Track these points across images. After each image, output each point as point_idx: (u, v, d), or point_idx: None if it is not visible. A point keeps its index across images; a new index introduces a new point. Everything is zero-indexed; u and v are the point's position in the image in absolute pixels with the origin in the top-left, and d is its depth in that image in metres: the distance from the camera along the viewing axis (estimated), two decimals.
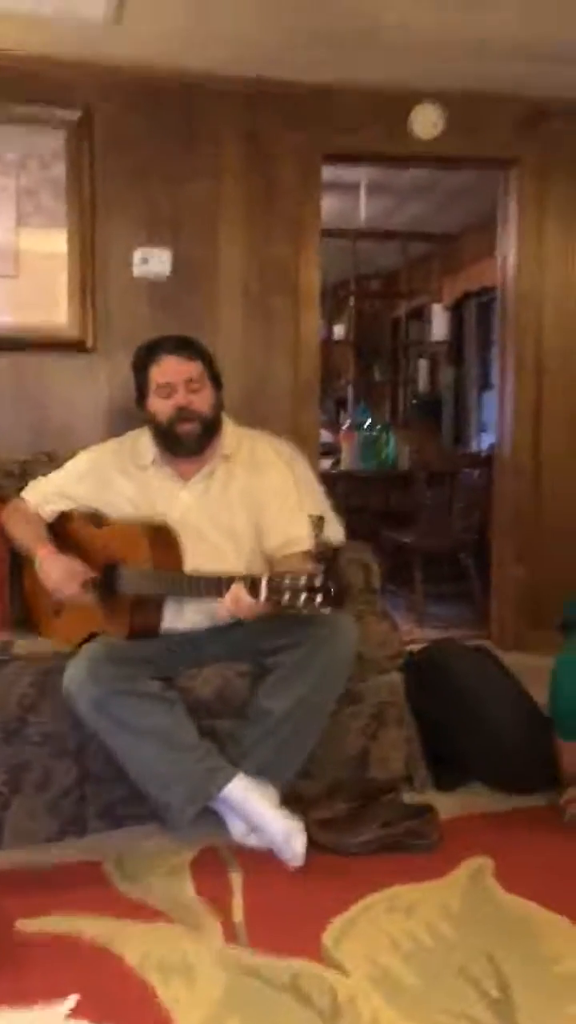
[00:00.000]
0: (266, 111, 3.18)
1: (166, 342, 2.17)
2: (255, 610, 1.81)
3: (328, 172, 3.41)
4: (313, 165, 3.26)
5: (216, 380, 2.18)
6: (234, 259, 3.19)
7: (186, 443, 2.13)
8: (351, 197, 4.86)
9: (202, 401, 2.12)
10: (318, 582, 1.69)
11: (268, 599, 1.75)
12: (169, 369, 2.12)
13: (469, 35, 2.81)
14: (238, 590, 1.81)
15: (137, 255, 3.08)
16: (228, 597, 1.83)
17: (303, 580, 1.70)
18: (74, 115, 2.98)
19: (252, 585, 1.78)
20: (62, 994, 1.50)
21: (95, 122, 3.02)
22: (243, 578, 1.83)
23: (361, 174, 4.51)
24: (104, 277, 3.07)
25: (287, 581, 1.72)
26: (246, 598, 1.79)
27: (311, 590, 1.69)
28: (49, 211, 2.99)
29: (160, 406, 2.13)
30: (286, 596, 1.71)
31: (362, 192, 4.77)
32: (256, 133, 3.18)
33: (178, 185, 3.12)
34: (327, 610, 1.71)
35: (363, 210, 4.94)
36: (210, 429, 2.15)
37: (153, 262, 3.09)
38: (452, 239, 5.84)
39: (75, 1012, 1.46)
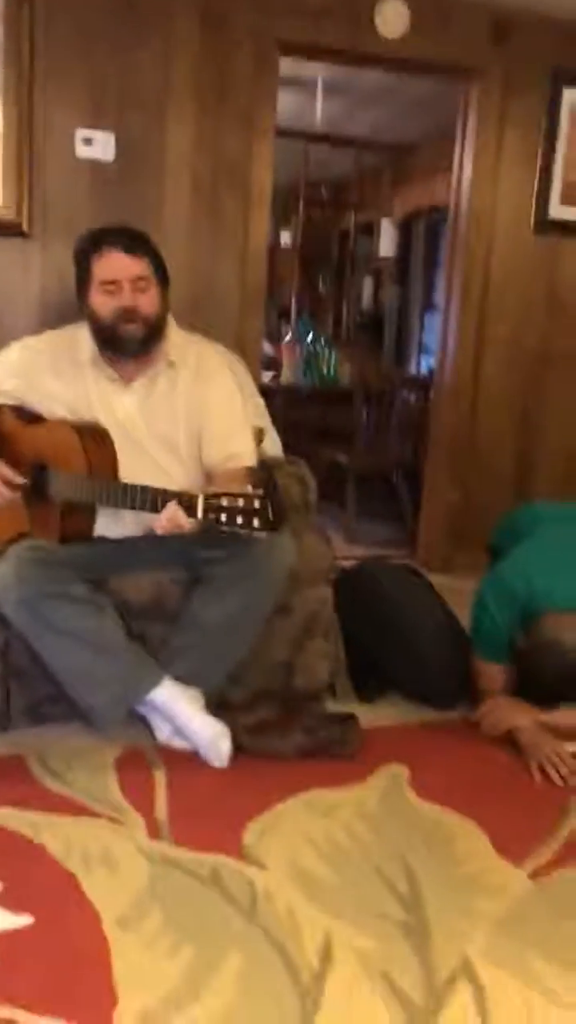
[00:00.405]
0: None
1: (112, 233, 2.02)
2: (190, 528, 1.78)
3: (285, 67, 3.23)
4: (270, 53, 3.07)
5: (164, 278, 2.07)
6: (182, 147, 3.01)
7: (128, 344, 2.02)
8: (307, 95, 4.65)
9: (148, 302, 2.01)
10: (256, 504, 1.67)
11: (204, 519, 1.72)
12: (114, 265, 1.99)
13: None
14: (174, 508, 1.76)
15: (79, 135, 2.88)
16: (164, 515, 1.78)
17: (241, 502, 1.67)
18: None
19: (188, 504, 1.74)
20: None
21: None
22: (179, 495, 1.78)
23: (318, 71, 4.30)
24: (42, 157, 2.87)
25: (224, 502, 1.69)
26: (181, 517, 1.76)
27: (249, 512, 1.67)
28: None
29: (102, 303, 2.01)
30: (223, 517, 1.68)
31: (319, 90, 4.55)
32: (210, 10, 2.97)
33: (125, 59, 2.90)
34: (263, 534, 1.69)
35: (319, 110, 4.73)
36: (154, 332, 2.04)
37: (97, 144, 2.89)
38: (406, 151, 5.68)
39: None
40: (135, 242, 2.02)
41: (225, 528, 1.69)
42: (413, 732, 2.23)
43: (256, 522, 1.67)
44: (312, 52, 3.32)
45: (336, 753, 2.03)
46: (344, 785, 1.92)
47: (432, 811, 1.85)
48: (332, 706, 2.27)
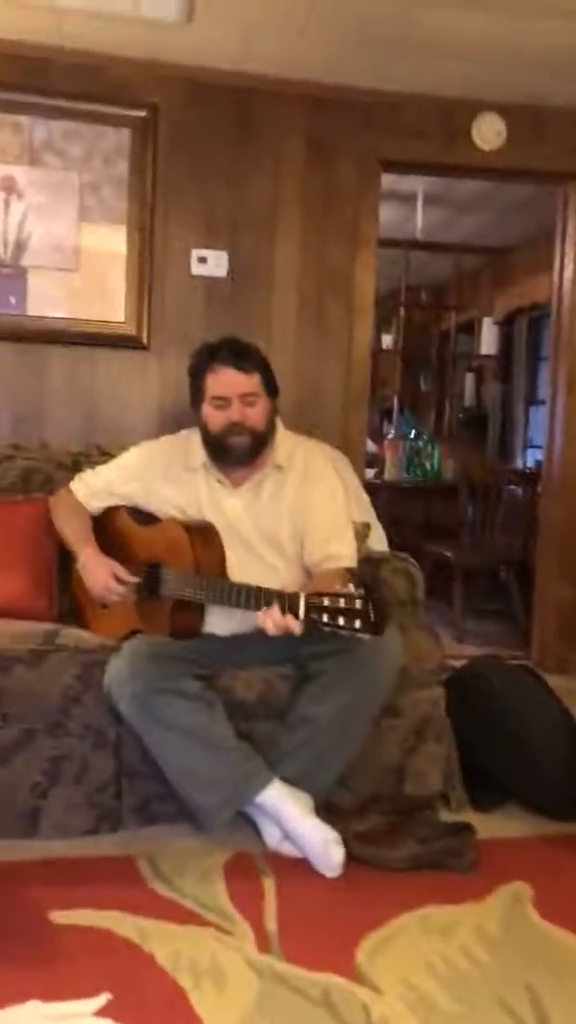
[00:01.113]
0: (328, 115, 3.18)
1: (224, 349, 2.11)
2: (293, 629, 1.77)
3: (384, 181, 3.40)
4: (372, 171, 3.24)
5: (272, 390, 2.15)
6: (290, 262, 3.19)
7: (235, 454, 2.10)
8: (407, 207, 4.84)
9: (256, 415, 2.09)
10: (358, 605, 1.66)
11: (306, 619, 1.72)
12: (225, 381, 2.08)
13: (530, 46, 2.78)
14: (279, 615, 1.77)
15: (195, 254, 3.09)
16: (271, 620, 1.79)
17: (342, 602, 1.68)
18: (139, 113, 3.00)
19: (291, 603, 1.76)
20: (92, 989, 1.49)
21: (160, 121, 3.04)
22: (282, 595, 1.80)
23: (418, 184, 4.49)
24: (162, 275, 3.08)
25: (326, 603, 1.70)
26: (291, 621, 1.76)
27: (351, 613, 1.66)
28: (110, 207, 3.01)
29: (212, 416, 2.10)
30: (325, 617, 1.69)
31: (419, 202, 4.74)
32: (317, 136, 3.18)
33: (238, 185, 3.13)
34: (366, 636, 1.68)
35: (419, 220, 4.91)
36: (261, 441, 2.11)
37: (210, 262, 3.10)
38: (505, 252, 5.79)
39: (104, 1010, 1.45)
40: (245, 358, 2.10)
41: (327, 629, 1.69)
42: (534, 846, 2.10)
43: (358, 623, 1.66)
44: (412, 167, 3.49)
45: (451, 866, 1.93)
46: (462, 902, 1.81)
47: (559, 935, 1.71)
48: (445, 815, 2.17)
